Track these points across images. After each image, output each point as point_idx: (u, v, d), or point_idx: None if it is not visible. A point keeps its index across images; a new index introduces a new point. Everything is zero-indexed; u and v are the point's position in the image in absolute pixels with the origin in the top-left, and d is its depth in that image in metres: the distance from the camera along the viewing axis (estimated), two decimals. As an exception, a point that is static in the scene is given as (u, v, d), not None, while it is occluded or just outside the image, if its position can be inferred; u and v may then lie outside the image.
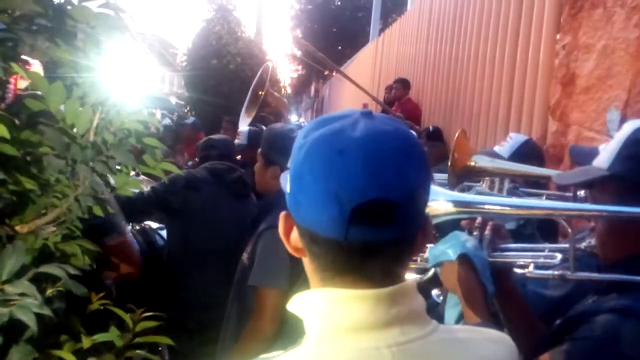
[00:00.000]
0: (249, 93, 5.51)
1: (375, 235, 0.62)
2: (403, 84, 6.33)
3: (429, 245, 1.12)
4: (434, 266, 1.08)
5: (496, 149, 2.14)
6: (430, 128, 4.72)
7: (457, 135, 1.59)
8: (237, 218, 2.58)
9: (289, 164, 0.67)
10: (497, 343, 0.72)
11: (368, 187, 0.60)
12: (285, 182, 0.68)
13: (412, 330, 0.64)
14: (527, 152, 2.09)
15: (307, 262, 0.69)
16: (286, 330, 1.73)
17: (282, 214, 0.69)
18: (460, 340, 0.68)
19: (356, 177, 0.60)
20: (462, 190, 1.46)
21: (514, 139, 2.17)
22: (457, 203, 1.06)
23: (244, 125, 4.92)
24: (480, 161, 1.55)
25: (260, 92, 5.34)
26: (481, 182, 1.51)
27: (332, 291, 0.65)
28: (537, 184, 1.96)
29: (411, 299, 0.66)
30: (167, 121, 7.27)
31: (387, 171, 0.61)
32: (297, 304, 0.69)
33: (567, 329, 0.93)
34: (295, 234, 0.68)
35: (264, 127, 5.00)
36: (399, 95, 6.26)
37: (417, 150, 0.65)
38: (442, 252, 1.07)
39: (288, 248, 0.70)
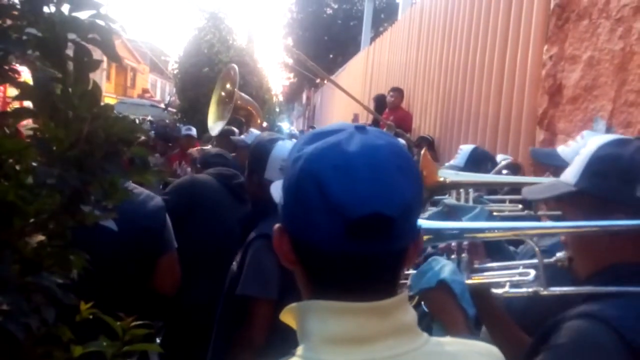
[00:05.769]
0: (215, 97, 5.62)
1: (370, 249, 0.63)
2: (400, 92, 6.39)
3: (410, 272, 1.13)
4: (416, 294, 1.10)
5: (451, 162, 2.41)
6: (430, 138, 4.83)
7: (422, 154, 1.69)
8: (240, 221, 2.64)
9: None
10: (486, 356, 0.73)
11: (364, 202, 0.60)
12: (277, 193, 0.69)
13: (405, 343, 0.65)
14: (478, 158, 2.35)
15: (299, 274, 0.70)
16: (278, 340, 1.72)
17: (276, 226, 0.70)
18: (450, 353, 0.69)
19: (352, 191, 0.61)
20: (433, 204, 1.52)
21: (464, 150, 2.43)
22: (426, 231, 1.08)
23: (216, 130, 4.95)
24: (447, 176, 1.66)
25: (223, 93, 5.41)
26: (447, 194, 1.60)
27: (326, 303, 0.65)
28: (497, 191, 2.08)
29: (403, 312, 0.67)
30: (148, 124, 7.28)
31: (382, 186, 0.62)
32: (290, 314, 0.69)
33: (542, 339, 0.94)
34: (288, 245, 0.68)
35: (236, 130, 5.05)
36: (398, 102, 6.32)
37: (410, 163, 0.66)
38: (421, 279, 1.09)
39: (281, 260, 0.70)
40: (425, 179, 1.58)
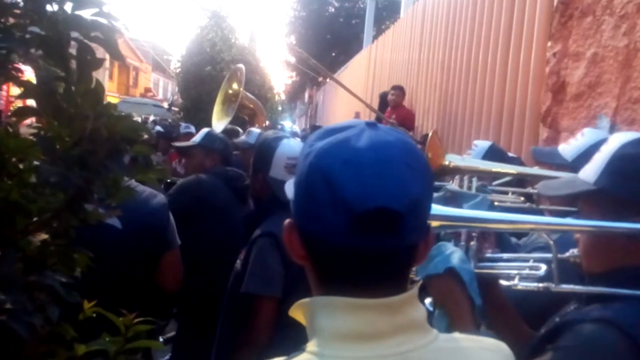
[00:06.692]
0: (221, 96, 5.64)
1: (378, 244, 0.63)
2: (401, 91, 6.38)
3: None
4: (422, 279, 1.07)
5: (466, 157, 2.24)
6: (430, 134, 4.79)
7: (430, 135, 1.65)
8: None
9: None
10: (494, 352, 0.73)
11: (371, 197, 0.61)
12: (290, 190, 0.69)
13: (414, 339, 0.65)
14: (496, 155, 2.17)
15: (309, 270, 0.70)
16: (282, 338, 1.72)
17: (287, 221, 0.70)
18: (459, 349, 0.69)
19: (359, 186, 0.61)
20: (434, 189, 1.51)
21: (479, 146, 2.28)
22: (439, 217, 1.06)
23: (220, 128, 4.95)
24: (453, 160, 1.62)
25: (230, 91, 5.43)
26: (451, 181, 1.57)
27: (335, 299, 0.65)
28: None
29: (413, 309, 0.67)
30: (158, 127, 7.29)
31: (389, 181, 0.62)
32: (300, 310, 0.70)
33: (550, 338, 0.93)
34: (298, 240, 0.69)
35: (239, 129, 5.04)
36: (399, 101, 6.30)
37: (420, 160, 0.66)
38: (429, 265, 1.06)
39: (291, 255, 0.71)
40: (430, 162, 1.54)
